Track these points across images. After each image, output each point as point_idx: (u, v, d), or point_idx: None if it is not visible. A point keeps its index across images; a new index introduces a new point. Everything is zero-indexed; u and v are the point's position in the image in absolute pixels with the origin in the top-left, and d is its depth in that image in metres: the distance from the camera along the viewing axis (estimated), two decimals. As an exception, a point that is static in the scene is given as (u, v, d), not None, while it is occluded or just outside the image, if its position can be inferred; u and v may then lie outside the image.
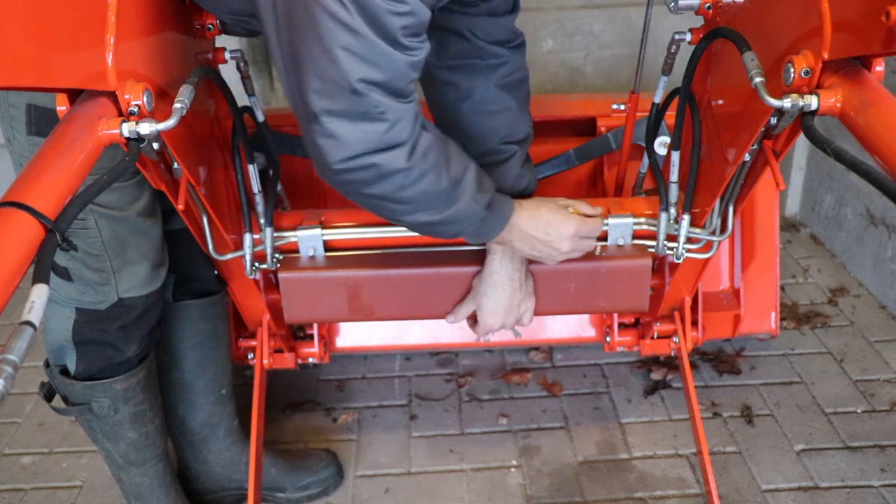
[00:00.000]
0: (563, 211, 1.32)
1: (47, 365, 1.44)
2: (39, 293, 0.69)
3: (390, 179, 1.08)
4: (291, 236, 1.45)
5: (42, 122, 1.19)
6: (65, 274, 1.33)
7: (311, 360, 1.93)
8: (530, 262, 1.42)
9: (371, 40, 0.96)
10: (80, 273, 1.33)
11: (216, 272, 1.60)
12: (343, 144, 1.03)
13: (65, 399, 1.45)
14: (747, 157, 1.21)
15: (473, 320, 1.47)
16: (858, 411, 1.97)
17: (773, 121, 1.05)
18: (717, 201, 1.33)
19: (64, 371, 1.43)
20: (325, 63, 0.97)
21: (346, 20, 0.94)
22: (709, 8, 1.25)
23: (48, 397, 1.44)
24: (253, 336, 1.80)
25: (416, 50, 1.02)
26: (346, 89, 0.98)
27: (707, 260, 1.47)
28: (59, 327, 1.39)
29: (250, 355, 1.86)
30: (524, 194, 1.40)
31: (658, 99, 1.44)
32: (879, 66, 0.89)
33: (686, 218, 1.37)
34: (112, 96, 0.94)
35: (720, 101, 1.26)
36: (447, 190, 1.15)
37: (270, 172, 1.48)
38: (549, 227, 1.30)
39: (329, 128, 1.02)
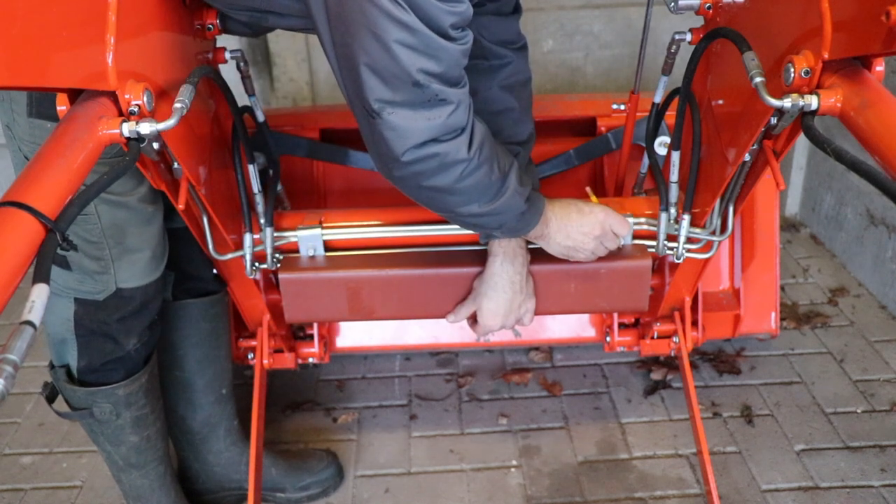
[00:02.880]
0: (590, 204, 1.36)
1: (52, 367, 1.44)
2: (39, 293, 0.69)
3: (452, 170, 1.10)
4: (291, 236, 1.45)
5: (44, 104, 1.19)
6: (63, 263, 1.33)
7: (311, 360, 1.93)
8: (531, 262, 1.42)
9: (426, 34, 0.99)
10: (78, 262, 1.32)
11: (215, 272, 1.60)
12: (408, 133, 1.05)
13: (66, 402, 1.45)
14: (747, 157, 1.21)
15: (473, 320, 1.47)
16: (858, 411, 1.97)
17: (774, 121, 1.05)
18: (717, 201, 1.33)
19: (68, 374, 1.43)
20: (383, 58, 0.99)
21: (399, 16, 0.96)
22: (709, 8, 1.25)
23: (50, 398, 1.43)
24: (253, 336, 1.80)
25: (464, 39, 1.05)
26: (408, 82, 1.01)
27: (707, 260, 1.47)
28: (60, 319, 1.38)
29: (250, 355, 1.86)
30: None
31: (658, 99, 1.44)
32: (879, 66, 0.89)
33: (686, 218, 1.37)
34: (112, 96, 0.94)
35: (720, 101, 1.26)
36: (498, 182, 1.18)
37: (270, 172, 1.48)
38: (581, 216, 1.33)
39: (392, 120, 1.04)
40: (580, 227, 1.33)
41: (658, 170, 1.40)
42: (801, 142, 2.60)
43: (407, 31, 0.97)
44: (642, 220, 1.44)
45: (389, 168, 1.10)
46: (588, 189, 1.48)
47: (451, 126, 1.07)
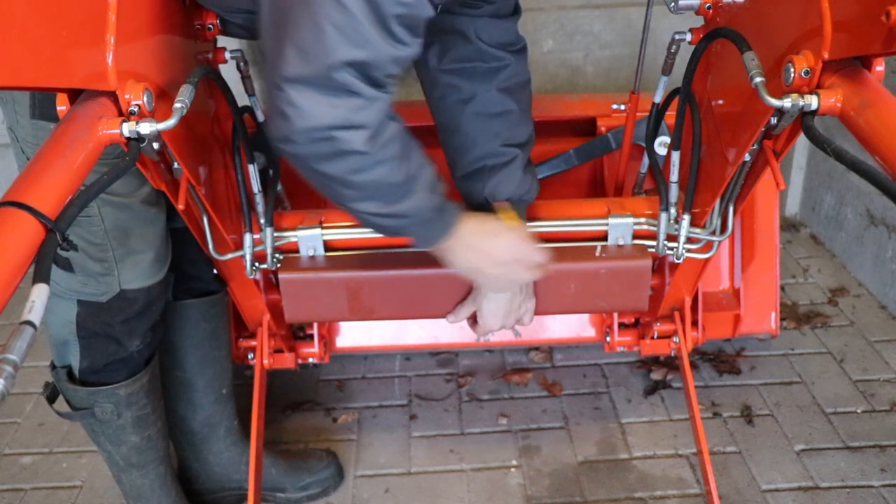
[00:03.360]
0: (512, 230, 1.29)
1: (53, 367, 1.44)
2: (40, 293, 0.69)
3: (345, 159, 1.06)
4: (291, 236, 1.45)
5: (46, 106, 1.18)
6: (66, 265, 1.33)
7: (311, 360, 1.93)
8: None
9: (361, 22, 0.96)
10: (82, 263, 1.32)
11: (216, 272, 1.60)
12: (308, 115, 1.01)
13: (68, 402, 1.45)
14: (747, 157, 1.21)
15: (473, 320, 1.47)
16: (858, 411, 1.97)
17: (774, 121, 1.05)
18: (717, 201, 1.33)
19: (69, 374, 1.43)
20: (311, 35, 0.97)
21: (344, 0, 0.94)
22: (709, 8, 1.25)
23: (51, 398, 1.43)
24: (253, 336, 1.80)
25: (404, 44, 1.01)
26: (325, 65, 0.98)
27: (707, 260, 1.47)
28: (63, 320, 1.38)
29: (250, 355, 1.86)
30: (526, 199, 1.40)
31: (658, 99, 1.44)
32: (879, 66, 0.89)
33: (686, 218, 1.37)
34: (112, 96, 0.94)
35: (720, 101, 1.26)
36: (400, 184, 1.13)
37: (270, 172, 1.48)
38: (493, 237, 1.27)
39: (295, 97, 1.00)
40: (487, 248, 1.26)
41: (658, 170, 1.40)
42: (801, 142, 2.60)
43: (344, 15, 0.95)
44: (642, 220, 1.44)
45: (282, 143, 1.06)
46: (506, 204, 1.37)
47: (353, 121, 1.03)
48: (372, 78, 1.01)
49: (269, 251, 1.43)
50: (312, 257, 1.45)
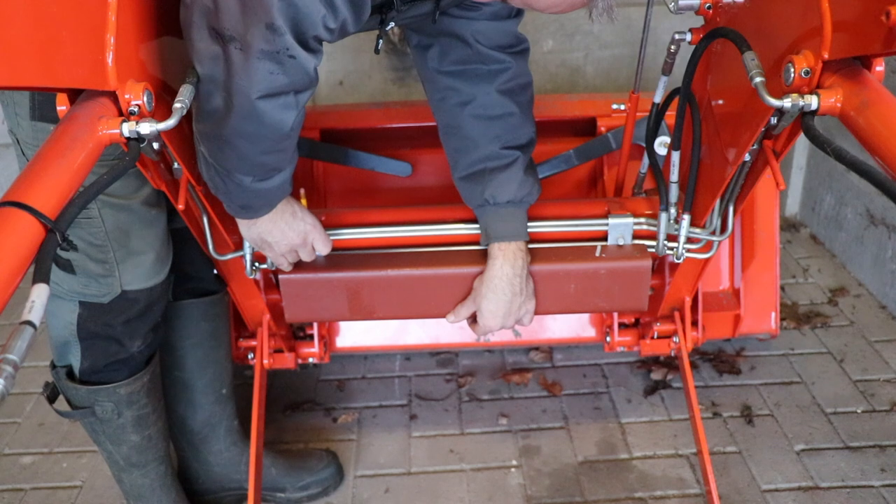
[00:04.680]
0: (304, 212, 1.33)
1: (53, 366, 1.44)
2: (39, 293, 0.69)
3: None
4: (291, 236, 1.45)
5: (46, 107, 1.19)
6: (67, 266, 1.33)
7: (311, 360, 1.93)
8: (531, 262, 1.42)
9: None
10: (83, 265, 1.33)
11: (216, 272, 1.60)
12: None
13: (68, 401, 1.45)
14: (747, 157, 1.21)
15: (473, 320, 1.47)
16: (858, 411, 1.97)
17: (774, 121, 1.05)
18: (718, 201, 1.33)
19: (69, 373, 1.43)
20: None
21: None
22: (709, 8, 1.25)
23: (51, 398, 1.43)
24: (253, 336, 1.80)
25: (315, 52, 1.03)
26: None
27: (707, 260, 1.47)
28: (64, 322, 1.38)
29: (250, 355, 1.86)
30: (527, 201, 1.40)
31: (658, 99, 1.44)
32: (879, 66, 0.88)
33: (686, 218, 1.37)
34: (112, 96, 0.94)
35: (720, 101, 1.26)
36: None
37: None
38: (292, 219, 1.30)
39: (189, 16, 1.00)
40: (284, 227, 1.30)
41: (658, 170, 1.40)
42: (801, 142, 2.60)
43: None
44: (642, 220, 1.44)
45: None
46: (301, 191, 1.44)
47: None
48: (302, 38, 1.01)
49: (269, 251, 1.43)
50: (312, 257, 1.45)
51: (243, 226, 1.30)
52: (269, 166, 1.15)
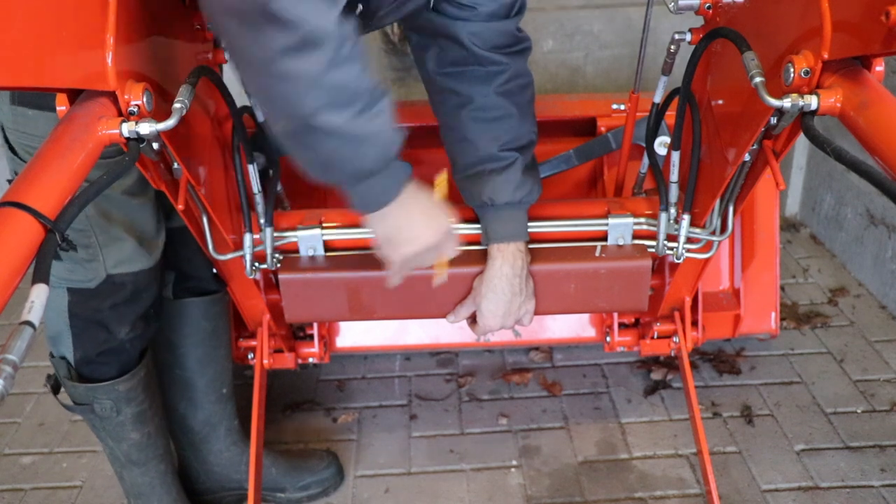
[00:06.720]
0: (442, 212, 1.22)
1: (52, 356, 1.45)
2: (39, 293, 0.69)
3: (317, 48, 0.93)
4: (291, 236, 1.45)
5: (26, 93, 1.19)
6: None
7: (311, 360, 1.93)
8: (531, 262, 1.42)
9: None
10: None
11: (214, 272, 1.60)
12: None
13: (69, 397, 1.46)
14: (747, 157, 1.21)
15: (473, 320, 1.47)
16: (858, 411, 1.97)
17: (773, 121, 1.05)
18: (717, 201, 1.33)
19: (67, 368, 1.43)
20: None
21: None
22: (709, 8, 1.25)
23: (55, 389, 1.45)
24: (253, 336, 1.80)
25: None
26: None
27: (707, 260, 1.47)
28: (56, 310, 1.39)
29: (250, 355, 1.86)
30: (526, 201, 1.39)
31: (658, 99, 1.44)
32: (879, 66, 0.88)
33: (686, 218, 1.37)
34: (112, 96, 0.94)
35: (720, 101, 1.26)
36: (368, 91, 1.01)
37: (270, 172, 1.48)
38: (427, 218, 1.19)
39: None
40: (418, 225, 1.18)
41: (658, 170, 1.40)
42: (801, 142, 2.60)
43: None
44: (642, 220, 1.44)
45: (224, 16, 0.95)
46: (441, 175, 1.27)
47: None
48: None
49: (268, 251, 1.43)
50: (312, 257, 1.45)
51: (374, 219, 1.16)
52: (349, 88, 0.99)
